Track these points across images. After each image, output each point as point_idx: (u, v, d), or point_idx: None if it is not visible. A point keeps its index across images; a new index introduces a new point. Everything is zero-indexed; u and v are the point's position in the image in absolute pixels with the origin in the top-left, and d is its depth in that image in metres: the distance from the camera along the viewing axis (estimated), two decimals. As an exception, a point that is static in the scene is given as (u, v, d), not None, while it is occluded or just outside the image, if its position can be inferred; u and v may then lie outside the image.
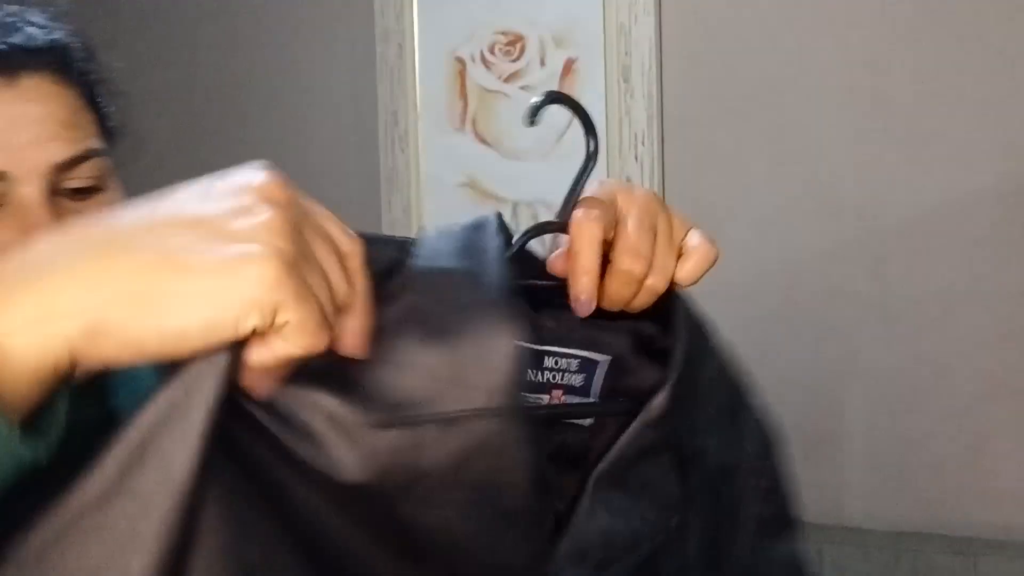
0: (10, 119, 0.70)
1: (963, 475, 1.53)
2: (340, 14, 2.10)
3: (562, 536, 0.55)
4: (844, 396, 1.62)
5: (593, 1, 1.80)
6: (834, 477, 1.61)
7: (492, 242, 0.54)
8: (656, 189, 1.74)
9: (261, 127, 2.13)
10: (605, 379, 0.62)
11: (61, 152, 0.71)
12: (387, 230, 2.04)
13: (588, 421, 0.61)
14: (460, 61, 1.96)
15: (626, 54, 1.77)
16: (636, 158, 1.76)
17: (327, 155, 2.11)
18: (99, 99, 0.76)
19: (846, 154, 1.61)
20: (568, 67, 1.84)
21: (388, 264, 0.53)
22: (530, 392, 0.60)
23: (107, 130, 0.76)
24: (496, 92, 1.92)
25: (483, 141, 1.94)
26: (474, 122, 1.95)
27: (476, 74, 1.94)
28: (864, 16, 1.59)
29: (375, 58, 2.04)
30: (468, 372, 0.48)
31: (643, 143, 1.75)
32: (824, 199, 1.63)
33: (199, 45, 2.16)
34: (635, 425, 0.57)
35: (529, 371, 0.60)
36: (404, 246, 0.56)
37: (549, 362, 0.61)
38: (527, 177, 1.89)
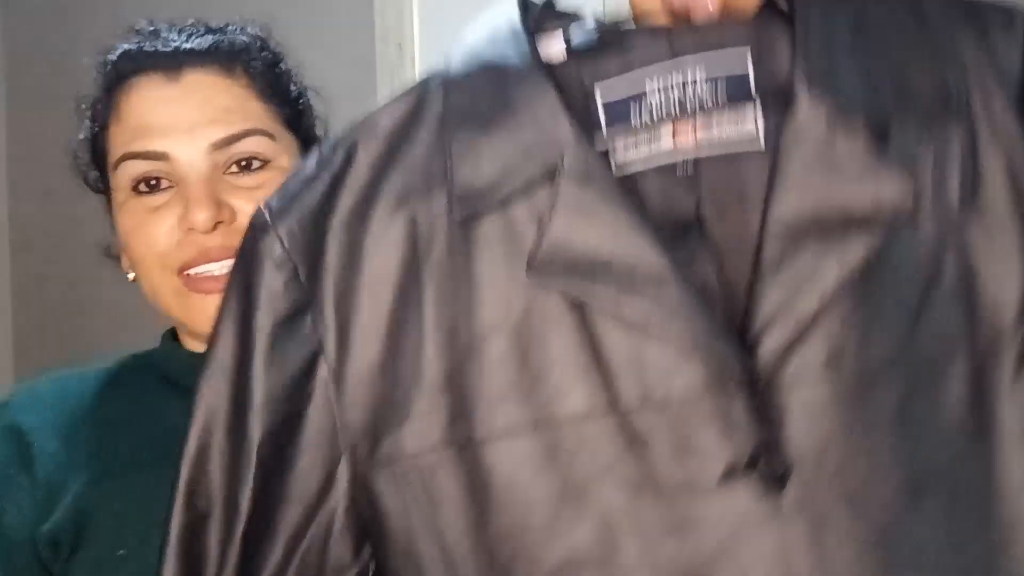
0: (173, 109, 0.81)
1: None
2: (340, 14, 2.09)
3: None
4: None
5: (593, 1, 1.80)
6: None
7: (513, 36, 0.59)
8: (657, 189, 1.74)
9: (261, 127, 2.12)
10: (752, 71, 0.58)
11: (219, 132, 0.80)
12: (387, 230, 2.03)
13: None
14: (460, 61, 1.96)
15: (626, 54, 1.77)
16: (637, 158, 1.76)
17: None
18: (272, 90, 0.86)
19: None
20: (568, 67, 1.84)
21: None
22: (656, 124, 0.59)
23: (284, 116, 0.87)
24: (496, 92, 1.92)
25: (483, 141, 1.93)
26: (474, 122, 1.94)
27: (476, 74, 1.94)
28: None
29: (375, 58, 2.04)
30: (530, 146, 0.56)
31: (644, 143, 1.75)
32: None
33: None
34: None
35: (639, 110, 0.59)
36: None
37: (671, 88, 0.58)
38: (527, 177, 1.88)
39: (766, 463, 0.53)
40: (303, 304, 0.60)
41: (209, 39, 0.85)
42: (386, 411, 0.59)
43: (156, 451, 0.77)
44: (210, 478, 0.61)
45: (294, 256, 0.60)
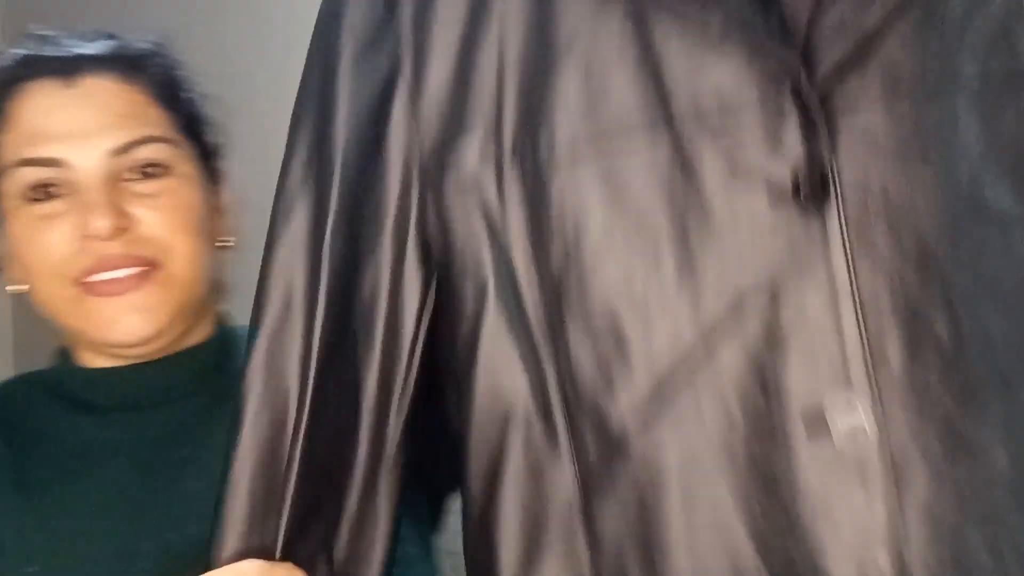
0: (70, 114, 0.77)
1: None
2: (339, 13, 2.09)
3: None
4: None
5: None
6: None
7: None
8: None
9: (262, 127, 2.12)
10: None
11: (117, 138, 0.77)
12: (387, 230, 2.03)
13: None
14: (460, 60, 1.95)
15: (626, 53, 1.76)
16: (637, 157, 1.75)
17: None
18: (172, 97, 0.83)
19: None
20: (568, 66, 1.83)
21: None
22: None
23: (183, 123, 0.83)
24: (496, 91, 1.91)
25: (483, 140, 1.93)
26: (474, 121, 1.94)
27: (476, 73, 1.93)
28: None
29: (375, 57, 2.03)
30: None
31: (644, 142, 1.74)
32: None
33: (196, 45, 2.15)
34: None
35: None
36: None
37: None
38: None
39: (810, 185, 0.53)
40: (384, 22, 0.61)
41: (108, 44, 0.82)
42: (457, 125, 0.60)
43: (59, 469, 0.77)
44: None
45: None
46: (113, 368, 0.81)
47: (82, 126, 0.77)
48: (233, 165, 0.89)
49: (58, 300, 0.78)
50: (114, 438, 0.79)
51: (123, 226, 0.76)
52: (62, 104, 0.78)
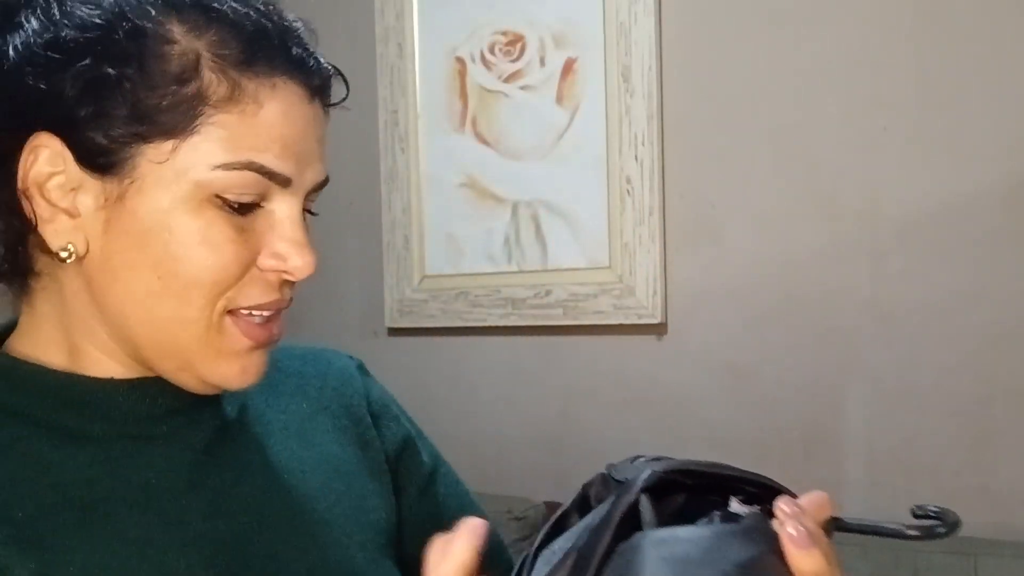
0: (309, 136, 0.71)
1: (963, 475, 1.53)
2: (340, 14, 2.10)
3: None
4: (844, 396, 1.62)
5: (593, 1, 1.80)
6: (834, 476, 1.61)
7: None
8: (656, 189, 1.74)
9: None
10: None
11: (322, 175, 0.73)
12: (387, 230, 2.04)
13: None
14: (460, 61, 1.96)
15: (626, 54, 1.77)
16: (636, 158, 1.76)
17: (327, 155, 2.11)
18: None
19: (846, 154, 1.61)
20: (568, 67, 1.84)
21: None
22: None
23: None
24: (496, 92, 1.92)
25: (483, 141, 1.94)
26: (474, 122, 1.95)
27: (476, 74, 1.94)
28: (864, 16, 1.59)
29: (375, 58, 2.05)
30: None
31: (643, 143, 1.75)
32: (824, 199, 1.63)
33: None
34: None
35: None
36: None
37: None
38: (527, 177, 1.89)
39: None
40: None
41: (329, 66, 0.73)
42: None
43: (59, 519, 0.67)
44: None
45: None
46: (133, 380, 0.71)
47: (311, 153, 0.71)
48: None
49: (189, 321, 0.67)
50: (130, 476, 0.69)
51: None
52: (306, 121, 0.70)
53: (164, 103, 0.64)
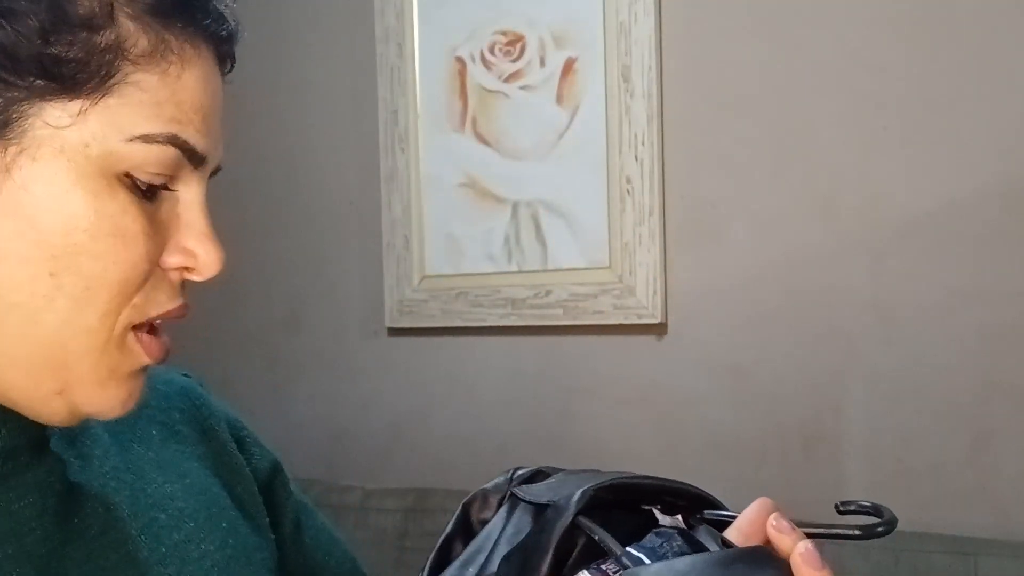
0: (217, 105, 0.58)
1: (963, 475, 1.53)
2: (340, 14, 2.10)
3: None
4: (844, 396, 1.62)
5: (593, 1, 1.80)
6: (833, 476, 1.61)
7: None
8: (656, 189, 1.74)
9: (261, 127, 2.13)
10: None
11: (221, 156, 0.60)
12: (387, 230, 2.04)
13: None
14: (460, 61, 1.96)
15: (626, 54, 1.77)
16: (636, 158, 1.76)
17: (327, 155, 2.11)
18: None
19: (846, 154, 1.61)
20: (568, 67, 1.84)
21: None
22: None
23: None
24: (496, 92, 1.92)
25: (483, 141, 1.94)
26: (474, 122, 1.95)
27: (476, 74, 1.94)
28: (864, 16, 1.59)
29: (375, 58, 2.04)
30: None
31: (643, 143, 1.75)
32: (824, 199, 1.63)
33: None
34: None
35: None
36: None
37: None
38: (527, 177, 1.89)
39: None
40: None
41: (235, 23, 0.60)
42: None
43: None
44: None
45: None
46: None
47: (219, 130, 0.58)
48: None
49: (85, 330, 0.54)
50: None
51: None
52: (217, 91, 0.57)
53: (71, 53, 0.51)
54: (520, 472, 0.62)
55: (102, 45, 0.51)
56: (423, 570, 0.60)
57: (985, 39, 1.51)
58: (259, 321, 2.19)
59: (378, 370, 2.08)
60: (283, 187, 2.14)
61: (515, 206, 1.90)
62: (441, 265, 2.00)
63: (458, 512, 0.62)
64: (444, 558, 0.60)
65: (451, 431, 2.00)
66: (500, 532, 0.58)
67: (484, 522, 0.61)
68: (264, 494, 0.73)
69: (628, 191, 1.77)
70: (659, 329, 1.76)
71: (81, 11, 0.51)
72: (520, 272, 1.90)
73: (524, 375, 1.92)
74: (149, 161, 0.53)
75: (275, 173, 2.15)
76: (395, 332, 2.06)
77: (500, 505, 0.61)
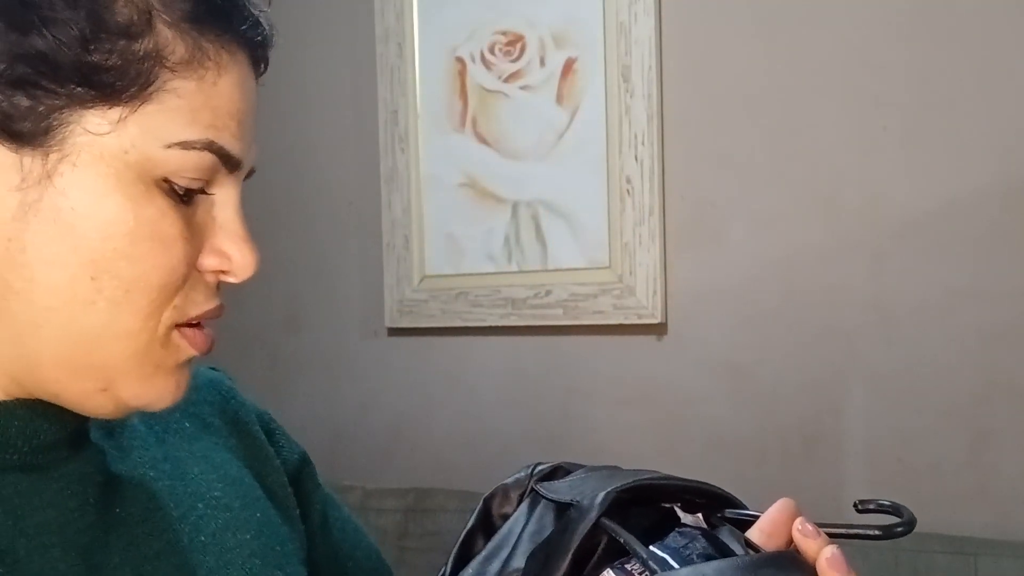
0: (252, 109, 0.59)
1: (963, 475, 1.53)
2: (340, 14, 2.10)
3: None
4: (844, 396, 1.62)
5: (593, 1, 1.80)
6: (833, 476, 1.62)
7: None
8: (656, 189, 1.74)
9: (261, 127, 2.12)
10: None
11: (254, 159, 0.61)
12: (387, 230, 2.04)
13: None
14: (460, 61, 1.96)
15: (626, 54, 1.77)
16: (636, 158, 1.76)
17: (327, 155, 2.11)
18: None
19: (846, 154, 1.61)
20: (568, 67, 1.84)
21: None
22: None
23: None
24: (496, 92, 1.92)
25: (483, 141, 1.94)
26: (474, 122, 1.95)
27: (476, 74, 1.94)
28: (864, 16, 1.59)
29: (375, 58, 2.04)
30: None
31: (643, 143, 1.75)
32: (824, 199, 1.63)
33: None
34: None
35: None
36: None
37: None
38: (527, 177, 1.89)
39: None
40: None
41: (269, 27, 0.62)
42: None
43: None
44: None
45: None
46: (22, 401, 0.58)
47: (253, 134, 0.59)
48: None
49: (127, 333, 0.55)
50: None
51: None
52: (253, 96, 0.59)
53: (111, 60, 0.52)
54: (540, 468, 0.63)
55: (141, 53, 0.52)
56: (447, 563, 0.61)
57: (985, 39, 1.51)
58: (259, 321, 2.19)
59: (378, 370, 2.08)
60: (283, 187, 2.14)
61: (515, 206, 1.90)
62: (441, 265, 2.00)
63: (479, 507, 0.63)
64: (466, 552, 0.61)
65: (451, 431, 2.00)
66: (522, 528, 0.58)
67: (505, 517, 0.61)
68: (293, 486, 0.74)
69: (628, 191, 1.77)
70: (659, 329, 1.76)
71: (120, 19, 0.52)
72: (520, 272, 1.90)
73: (524, 375, 1.92)
74: (186, 167, 0.54)
75: (275, 173, 2.15)
76: (395, 332, 2.06)
77: (520, 500, 0.61)
